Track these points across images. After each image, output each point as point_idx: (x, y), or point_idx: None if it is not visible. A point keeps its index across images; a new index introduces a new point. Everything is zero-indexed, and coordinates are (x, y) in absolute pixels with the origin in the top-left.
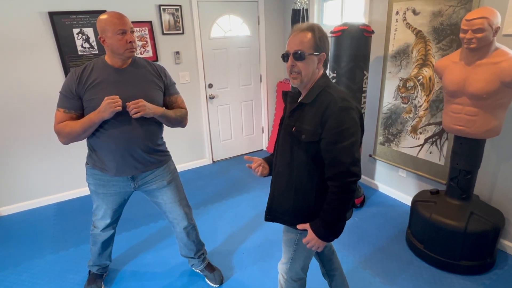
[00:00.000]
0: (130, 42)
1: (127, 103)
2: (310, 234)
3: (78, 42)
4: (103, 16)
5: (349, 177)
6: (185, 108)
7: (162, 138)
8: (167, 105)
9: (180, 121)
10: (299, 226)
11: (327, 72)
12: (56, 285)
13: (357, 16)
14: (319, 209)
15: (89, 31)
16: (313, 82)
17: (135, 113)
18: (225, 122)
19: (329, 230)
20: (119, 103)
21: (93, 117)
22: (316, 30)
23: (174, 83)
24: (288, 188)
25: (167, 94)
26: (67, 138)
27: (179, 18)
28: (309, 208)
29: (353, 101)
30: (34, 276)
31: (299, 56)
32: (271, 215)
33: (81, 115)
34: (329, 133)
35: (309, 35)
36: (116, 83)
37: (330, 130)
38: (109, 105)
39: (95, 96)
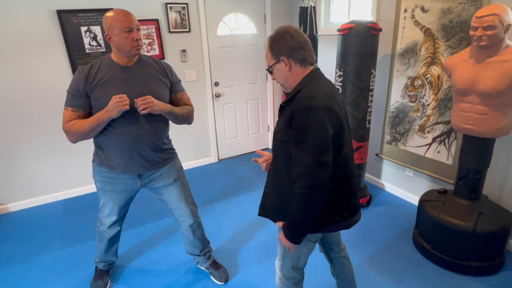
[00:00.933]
0: (136, 40)
1: (135, 100)
2: (281, 232)
3: (86, 40)
4: (109, 14)
5: (311, 180)
6: (191, 105)
7: (168, 136)
8: (173, 102)
9: (186, 118)
10: (277, 224)
11: (335, 70)
12: (64, 281)
13: (364, 13)
14: None
15: (96, 29)
16: (295, 84)
17: (143, 109)
18: (231, 120)
19: (292, 231)
20: (126, 102)
21: (101, 116)
22: (270, 40)
23: (180, 81)
24: (273, 186)
25: (173, 92)
26: (75, 136)
27: (185, 16)
28: (289, 207)
29: (323, 99)
30: (42, 271)
31: (269, 72)
32: (264, 210)
33: (89, 114)
34: (292, 133)
35: (266, 49)
36: (123, 81)
37: (293, 130)
38: (117, 104)
39: (102, 94)
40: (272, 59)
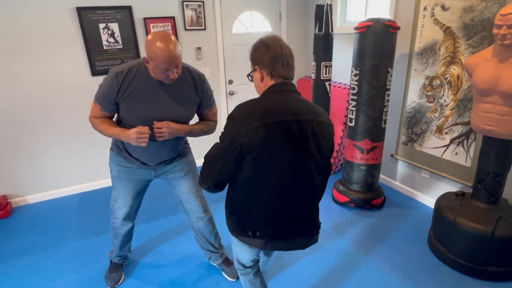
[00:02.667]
0: (171, 78)
1: (155, 123)
2: None
3: (104, 37)
4: (154, 41)
5: (204, 167)
6: (215, 121)
7: (186, 138)
8: (200, 115)
9: (206, 134)
10: None
11: (351, 69)
12: (79, 272)
13: (382, 12)
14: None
15: (114, 27)
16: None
17: (158, 137)
18: None
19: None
20: (146, 140)
21: (121, 136)
22: (252, 47)
23: (211, 95)
24: None
25: (201, 108)
26: (96, 130)
27: (201, 14)
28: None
29: (243, 113)
30: (59, 262)
31: (250, 79)
32: None
33: (114, 115)
34: None
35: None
36: (153, 101)
37: None
38: (137, 140)
39: (130, 109)
40: (251, 66)
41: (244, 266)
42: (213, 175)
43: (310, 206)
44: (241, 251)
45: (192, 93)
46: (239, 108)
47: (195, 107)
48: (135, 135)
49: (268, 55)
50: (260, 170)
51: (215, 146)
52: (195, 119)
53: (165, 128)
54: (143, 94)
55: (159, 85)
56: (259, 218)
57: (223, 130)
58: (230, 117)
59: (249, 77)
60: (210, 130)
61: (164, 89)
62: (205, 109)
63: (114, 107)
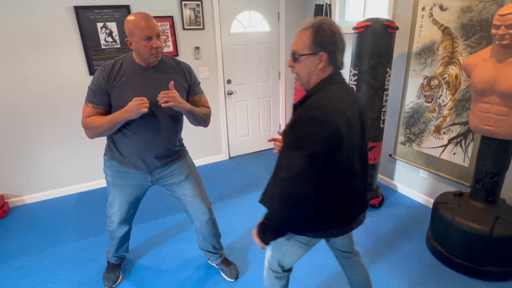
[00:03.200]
0: (155, 48)
1: (159, 94)
2: (255, 228)
3: (102, 36)
4: (130, 17)
5: (290, 186)
6: (209, 108)
7: (180, 134)
8: (193, 104)
9: (204, 120)
10: None
11: (349, 69)
12: (77, 272)
13: (380, 12)
14: None
15: (112, 26)
16: (314, 84)
17: (165, 102)
18: (243, 118)
19: (262, 231)
20: (146, 105)
21: (119, 116)
22: (319, 27)
23: (199, 83)
24: (273, 181)
25: (191, 94)
26: (92, 132)
27: (199, 13)
28: None
29: (328, 112)
30: (56, 262)
31: (293, 58)
32: (263, 197)
33: (109, 112)
34: (289, 137)
35: (308, 33)
36: (143, 84)
37: (291, 134)
38: (137, 106)
39: (122, 95)
40: (309, 48)
41: (283, 269)
42: (311, 186)
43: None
44: (293, 250)
45: (179, 77)
46: (319, 108)
47: (185, 92)
48: (135, 102)
49: (341, 45)
50: (340, 164)
51: (298, 154)
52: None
53: (173, 93)
54: (132, 80)
55: (147, 70)
56: (334, 210)
57: (299, 134)
58: (312, 119)
59: (296, 57)
60: (207, 116)
61: (152, 73)
62: (196, 95)
63: (106, 99)
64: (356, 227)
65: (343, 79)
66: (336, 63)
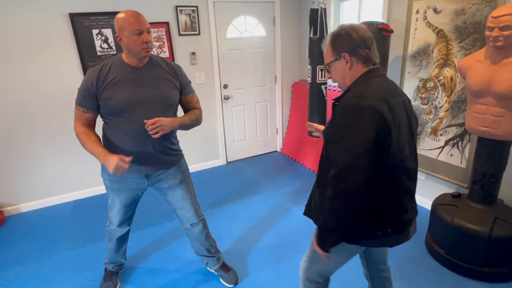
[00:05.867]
0: (146, 42)
1: (146, 122)
2: (314, 236)
3: (97, 43)
4: (120, 15)
5: (341, 183)
6: (200, 108)
7: (176, 137)
8: (183, 104)
9: (196, 124)
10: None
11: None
12: (74, 281)
13: (375, 15)
14: None
15: (107, 32)
16: (351, 82)
17: (155, 134)
18: (240, 122)
19: (321, 238)
20: (122, 171)
21: (100, 158)
22: (334, 35)
23: (190, 82)
24: (318, 186)
25: (183, 93)
26: (79, 141)
27: (195, 19)
28: None
29: (371, 100)
30: (52, 271)
31: (326, 70)
32: (309, 210)
33: (98, 114)
34: (332, 131)
35: (328, 44)
36: (133, 83)
37: (334, 128)
38: (117, 169)
39: (112, 95)
40: (332, 55)
41: (324, 279)
42: (362, 177)
43: (415, 191)
44: (337, 259)
45: (170, 76)
46: (359, 96)
47: (177, 90)
48: (116, 166)
49: (359, 39)
50: (390, 157)
51: (345, 146)
52: (180, 113)
53: (158, 122)
54: (122, 81)
55: (137, 69)
56: (390, 213)
57: (342, 125)
58: (354, 107)
59: (327, 68)
60: (198, 119)
61: (142, 72)
62: (188, 95)
63: (95, 103)
64: (413, 234)
65: (384, 73)
66: (364, 58)
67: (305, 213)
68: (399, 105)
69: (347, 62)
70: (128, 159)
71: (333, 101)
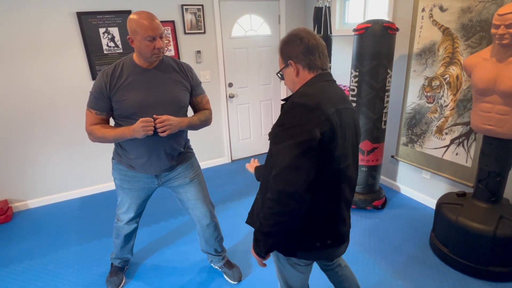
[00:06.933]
0: (158, 48)
1: (155, 117)
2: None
3: (104, 42)
4: (133, 16)
5: (281, 184)
6: (210, 109)
7: (186, 136)
8: (193, 105)
9: (205, 124)
10: None
11: (350, 71)
12: (81, 276)
13: (380, 13)
14: None
15: (114, 31)
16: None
17: (162, 132)
18: (245, 121)
19: (256, 242)
20: (151, 128)
21: (127, 133)
22: (280, 43)
23: (200, 83)
24: (260, 192)
25: (193, 95)
26: (97, 139)
27: (201, 17)
28: None
29: (317, 99)
30: (60, 266)
31: (280, 77)
32: (251, 218)
33: (111, 116)
34: (275, 131)
35: (278, 53)
36: (144, 85)
37: (278, 127)
38: (143, 128)
39: (124, 97)
40: (282, 62)
41: None
42: (304, 178)
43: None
44: (295, 274)
45: (180, 77)
46: (306, 95)
47: (187, 91)
48: (141, 124)
49: (302, 46)
50: (334, 162)
51: (287, 145)
52: (190, 113)
53: (167, 121)
54: (134, 81)
55: (148, 71)
56: (330, 223)
57: (286, 124)
58: (300, 106)
59: (279, 75)
60: (207, 119)
61: (153, 73)
62: (198, 96)
63: (108, 104)
64: (343, 251)
65: (333, 80)
66: (308, 65)
67: (247, 222)
68: (347, 111)
69: (294, 69)
70: (149, 118)
71: (282, 103)
